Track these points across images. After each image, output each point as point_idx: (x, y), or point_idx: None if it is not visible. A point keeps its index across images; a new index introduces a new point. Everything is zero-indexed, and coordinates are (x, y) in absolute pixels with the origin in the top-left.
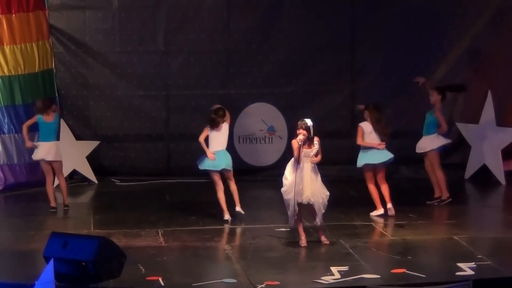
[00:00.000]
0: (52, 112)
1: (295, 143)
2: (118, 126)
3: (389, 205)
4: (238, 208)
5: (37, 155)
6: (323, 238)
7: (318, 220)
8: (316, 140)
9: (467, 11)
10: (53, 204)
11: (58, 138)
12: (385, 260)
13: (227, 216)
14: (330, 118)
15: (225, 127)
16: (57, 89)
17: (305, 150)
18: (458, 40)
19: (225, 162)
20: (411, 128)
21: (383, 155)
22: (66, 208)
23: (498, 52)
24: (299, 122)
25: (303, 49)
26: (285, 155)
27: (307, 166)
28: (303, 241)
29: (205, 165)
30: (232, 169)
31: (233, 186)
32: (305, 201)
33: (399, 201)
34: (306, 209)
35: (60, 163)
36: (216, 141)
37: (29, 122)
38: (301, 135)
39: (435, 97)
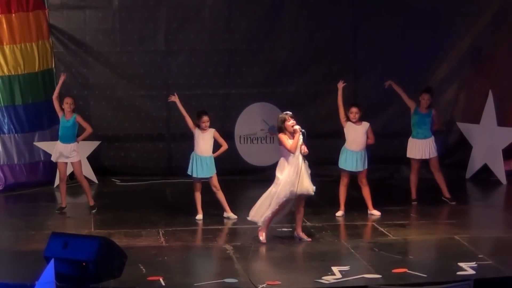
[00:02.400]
0: (71, 108)
1: (297, 130)
2: (118, 126)
3: (373, 211)
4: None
5: (55, 157)
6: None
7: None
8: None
9: (469, 10)
10: (63, 204)
11: (75, 140)
12: (386, 259)
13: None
14: (332, 118)
15: (210, 134)
16: None
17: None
18: (459, 39)
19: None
20: None
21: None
22: (93, 210)
23: (499, 51)
24: (284, 115)
25: (304, 48)
26: None
27: (299, 157)
28: (264, 238)
29: (196, 173)
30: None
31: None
32: (304, 191)
33: (400, 201)
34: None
35: (78, 163)
36: (204, 145)
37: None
38: (296, 125)
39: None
